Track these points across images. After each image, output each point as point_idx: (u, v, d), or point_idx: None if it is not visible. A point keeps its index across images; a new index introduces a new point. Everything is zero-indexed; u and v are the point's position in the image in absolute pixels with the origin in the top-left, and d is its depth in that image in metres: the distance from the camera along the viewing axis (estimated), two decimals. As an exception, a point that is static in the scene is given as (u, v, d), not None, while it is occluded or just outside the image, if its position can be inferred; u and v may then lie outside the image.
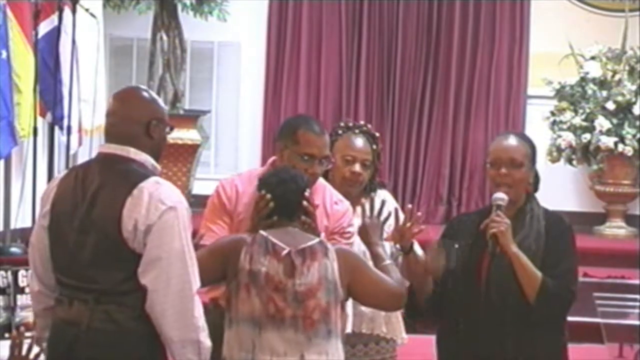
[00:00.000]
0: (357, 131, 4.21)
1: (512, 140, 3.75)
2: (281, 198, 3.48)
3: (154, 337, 3.25)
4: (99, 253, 3.20)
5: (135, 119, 3.30)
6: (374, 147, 4.20)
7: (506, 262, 3.56)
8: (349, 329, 4.10)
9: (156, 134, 3.33)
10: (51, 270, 3.35)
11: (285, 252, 3.38)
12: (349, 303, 4.00)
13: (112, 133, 3.33)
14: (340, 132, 4.22)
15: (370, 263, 3.58)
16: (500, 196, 3.61)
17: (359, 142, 4.17)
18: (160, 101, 3.45)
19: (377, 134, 4.28)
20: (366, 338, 4.18)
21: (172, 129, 3.41)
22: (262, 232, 3.43)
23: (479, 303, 3.59)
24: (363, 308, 4.04)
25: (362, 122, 4.34)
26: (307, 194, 3.52)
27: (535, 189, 3.75)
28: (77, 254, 3.23)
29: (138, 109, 3.32)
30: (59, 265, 3.31)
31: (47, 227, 3.33)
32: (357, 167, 4.12)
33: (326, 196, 3.92)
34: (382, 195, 4.24)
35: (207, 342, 3.23)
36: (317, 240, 3.45)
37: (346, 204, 3.97)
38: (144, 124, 3.30)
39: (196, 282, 3.21)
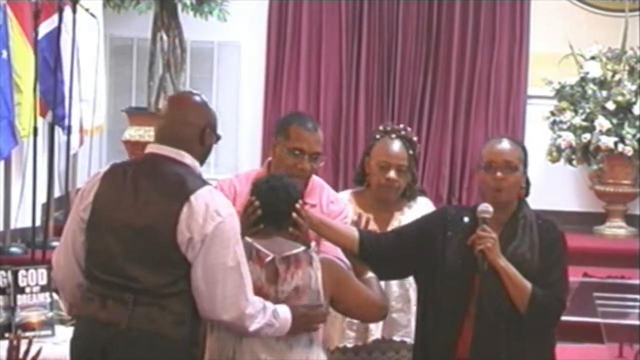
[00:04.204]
0: (393, 136, 4.12)
1: (506, 144, 3.68)
2: (270, 206, 3.43)
3: (193, 343, 3.25)
4: (148, 254, 3.17)
5: (191, 124, 3.30)
6: (411, 152, 4.11)
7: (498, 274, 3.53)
8: (377, 335, 4.08)
9: (207, 142, 3.34)
10: (77, 265, 3.32)
11: (269, 258, 3.35)
12: None
13: (166, 135, 3.31)
14: (377, 136, 4.16)
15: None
16: (485, 208, 3.55)
17: (395, 147, 4.09)
18: (214, 109, 3.44)
19: (415, 138, 4.19)
20: (398, 345, 4.11)
21: (219, 138, 3.40)
22: (247, 238, 3.39)
23: (470, 314, 3.55)
24: (395, 315, 4.01)
25: (401, 126, 4.24)
26: (298, 205, 3.45)
27: (527, 193, 3.69)
28: (122, 251, 3.20)
29: (194, 114, 3.32)
30: (97, 261, 3.27)
31: (87, 221, 3.29)
32: (392, 174, 4.05)
33: (323, 195, 3.92)
34: (422, 202, 4.18)
35: (270, 308, 3.24)
36: (302, 248, 3.40)
37: (342, 204, 3.96)
38: (200, 129, 3.30)
39: (250, 291, 3.22)
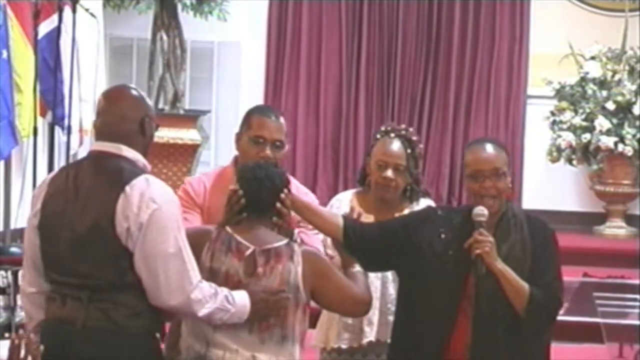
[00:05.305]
0: (392, 135, 4.11)
1: (491, 149, 3.62)
2: (253, 196, 3.42)
3: (151, 335, 3.28)
4: (94, 250, 3.21)
5: (129, 117, 3.33)
6: (409, 151, 4.09)
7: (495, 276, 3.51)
8: (372, 337, 4.05)
9: (148, 131, 3.37)
10: (36, 270, 3.36)
11: (249, 251, 3.34)
12: (376, 312, 3.98)
13: (105, 132, 3.35)
14: (378, 136, 4.16)
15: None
16: (481, 212, 3.51)
17: (393, 146, 4.08)
18: (147, 97, 3.50)
19: (415, 138, 4.16)
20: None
21: (157, 126, 3.44)
22: (228, 228, 3.39)
23: (467, 316, 3.53)
24: (390, 318, 3.96)
25: (402, 126, 4.23)
26: (283, 195, 3.44)
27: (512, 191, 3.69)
28: (70, 251, 3.24)
29: (132, 108, 3.35)
30: (51, 263, 3.32)
31: (38, 226, 3.34)
32: (388, 173, 4.04)
33: (292, 188, 3.92)
34: (425, 204, 4.14)
35: (222, 293, 3.24)
36: (284, 241, 3.39)
37: (311, 196, 3.97)
38: (138, 121, 3.33)
39: (196, 276, 3.23)
